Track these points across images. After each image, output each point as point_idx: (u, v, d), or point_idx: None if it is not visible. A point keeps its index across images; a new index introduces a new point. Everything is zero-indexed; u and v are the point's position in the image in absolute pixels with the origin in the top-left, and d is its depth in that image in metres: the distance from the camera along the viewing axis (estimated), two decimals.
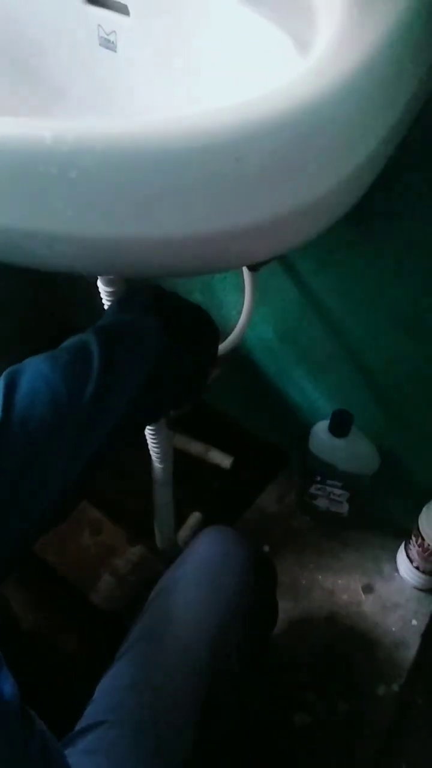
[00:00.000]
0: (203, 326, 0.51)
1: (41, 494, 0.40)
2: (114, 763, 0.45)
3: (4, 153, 0.26)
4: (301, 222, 0.31)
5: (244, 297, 0.71)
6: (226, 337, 0.76)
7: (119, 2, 0.43)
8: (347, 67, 0.30)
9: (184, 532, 0.90)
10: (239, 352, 0.76)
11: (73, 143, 0.25)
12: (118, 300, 0.51)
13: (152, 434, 0.65)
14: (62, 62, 0.49)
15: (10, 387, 0.40)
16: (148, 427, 0.64)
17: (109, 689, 0.51)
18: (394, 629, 0.84)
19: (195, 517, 0.92)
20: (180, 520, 0.89)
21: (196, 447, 1.00)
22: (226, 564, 0.58)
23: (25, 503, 0.40)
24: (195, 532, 0.91)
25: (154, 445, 0.67)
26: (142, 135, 0.26)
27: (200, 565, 0.58)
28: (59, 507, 0.42)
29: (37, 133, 0.25)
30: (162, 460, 0.69)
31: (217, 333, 0.52)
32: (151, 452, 0.68)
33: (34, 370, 0.41)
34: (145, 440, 0.67)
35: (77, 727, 0.49)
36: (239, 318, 0.75)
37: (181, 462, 0.97)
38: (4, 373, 0.41)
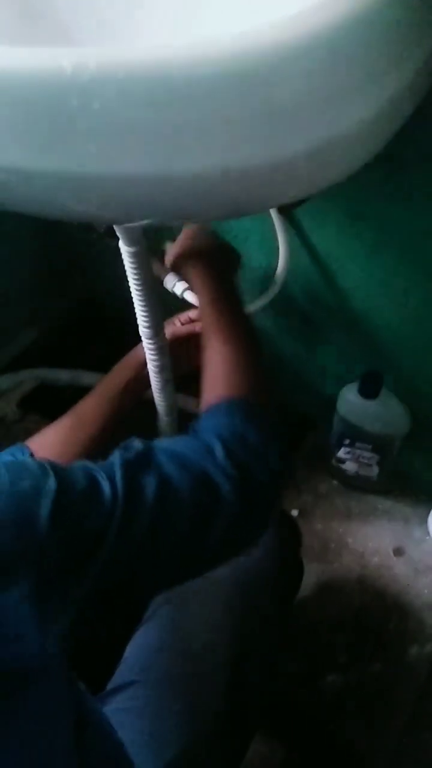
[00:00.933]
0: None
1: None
2: (147, 721, 0.46)
3: (20, 86, 0.24)
4: (335, 156, 0.29)
5: (272, 255, 0.69)
6: (252, 297, 0.75)
7: None
8: None
9: None
10: (271, 308, 0.74)
11: (94, 72, 0.24)
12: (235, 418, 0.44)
13: (158, 389, 0.64)
14: None
15: (161, 501, 0.37)
16: (152, 377, 0.62)
17: (141, 649, 0.52)
18: (426, 591, 0.83)
19: None
20: None
21: None
22: None
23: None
24: None
25: (159, 399, 0.66)
26: (168, 61, 0.24)
27: None
28: None
29: (55, 62, 0.24)
30: (167, 413, 0.68)
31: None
32: (157, 406, 0.67)
33: (178, 503, 0.38)
34: (152, 398, 0.66)
35: (109, 686, 0.50)
36: (265, 273, 0.73)
37: None
38: (158, 481, 0.37)
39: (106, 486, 0.35)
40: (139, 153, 0.25)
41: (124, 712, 0.47)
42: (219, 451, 0.40)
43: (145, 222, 0.31)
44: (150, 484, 0.37)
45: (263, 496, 0.41)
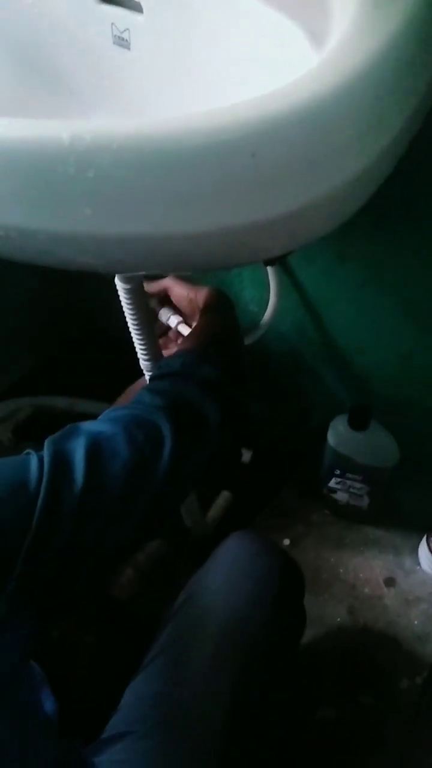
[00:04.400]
0: (245, 410, 0.52)
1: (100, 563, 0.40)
2: None
3: (23, 155, 0.26)
4: (318, 215, 0.31)
5: (263, 292, 0.71)
6: (247, 332, 0.77)
7: (133, 0, 0.43)
8: (360, 60, 0.30)
9: (213, 512, 0.91)
10: (260, 345, 0.76)
11: (90, 143, 0.26)
12: (184, 357, 0.49)
13: None
14: (77, 62, 0.50)
15: (94, 458, 0.38)
16: None
17: (137, 698, 0.51)
18: (416, 623, 0.84)
19: (224, 496, 0.93)
20: (207, 505, 0.90)
21: None
22: (252, 572, 0.58)
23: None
24: (224, 511, 0.92)
25: None
26: (157, 133, 0.26)
27: (226, 573, 0.58)
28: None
29: (55, 134, 0.26)
30: None
31: (248, 404, 0.53)
32: None
33: (114, 450, 0.40)
34: None
35: (104, 735, 0.49)
36: (257, 312, 0.76)
37: None
38: (87, 442, 0.39)
39: (33, 462, 0.36)
40: (131, 216, 0.27)
41: (118, 764, 0.46)
42: (149, 397, 0.43)
43: (139, 273, 0.33)
44: (78, 446, 0.38)
45: (204, 434, 0.44)
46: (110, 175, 0.26)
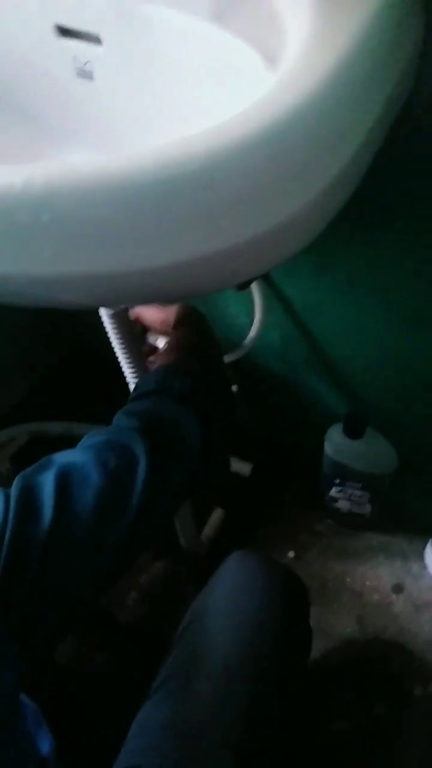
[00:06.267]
0: (231, 411, 0.52)
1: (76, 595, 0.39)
2: None
3: None
4: (281, 239, 0.31)
5: (249, 307, 0.71)
6: (233, 347, 0.76)
7: (91, 33, 0.43)
8: (313, 81, 0.30)
9: (208, 530, 0.90)
10: (249, 359, 0.76)
11: (42, 188, 0.25)
12: (158, 374, 0.48)
13: None
14: (44, 94, 0.50)
15: (63, 490, 0.38)
16: None
17: (144, 729, 0.50)
18: (427, 628, 0.83)
19: (218, 513, 0.93)
20: (204, 521, 0.90)
21: None
22: (254, 593, 0.57)
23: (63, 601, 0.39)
24: (218, 529, 0.91)
25: None
26: (110, 173, 0.26)
27: (228, 596, 0.57)
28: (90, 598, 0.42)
29: (7, 180, 0.26)
30: None
31: (234, 409, 0.52)
32: None
33: (84, 477, 0.39)
34: None
35: None
36: (244, 326, 0.75)
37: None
38: (57, 473, 0.39)
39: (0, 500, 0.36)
40: (90, 256, 0.27)
41: None
42: (124, 420, 0.43)
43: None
44: (47, 480, 0.38)
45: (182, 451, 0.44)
46: (66, 217, 0.26)
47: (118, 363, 0.61)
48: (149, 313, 0.58)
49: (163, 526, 0.44)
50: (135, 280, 0.28)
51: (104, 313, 0.56)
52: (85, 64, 0.45)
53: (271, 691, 0.52)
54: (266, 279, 0.69)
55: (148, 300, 0.31)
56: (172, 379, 0.47)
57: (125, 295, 0.30)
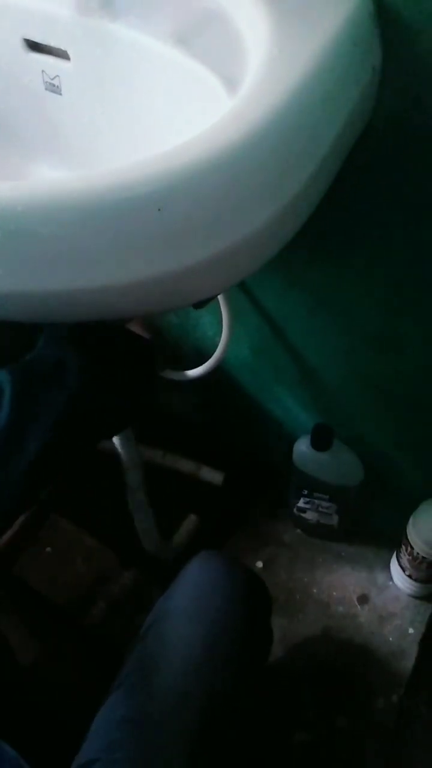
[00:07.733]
0: (135, 351, 0.51)
1: None
2: None
3: None
4: (235, 261, 0.32)
5: (220, 318, 0.71)
6: (205, 358, 0.77)
7: (59, 48, 0.44)
8: (268, 106, 0.31)
9: (179, 537, 0.91)
10: (219, 371, 0.76)
11: None
12: (45, 331, 0.50)
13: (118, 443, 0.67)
14: (12, 107, 0.50)
15: None
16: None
17: (103, 725, 0.51)
18: (390, 639, 0.84)
19: (191, 520, 0.93)
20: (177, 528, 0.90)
21: (187, 465, 1.01)
22: (216, 593, 0.57)
23: None
24: (191, 535, 0.91)
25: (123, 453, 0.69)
26: (63, 194, 0.27)
27: (190, 595, 0.58)
28: None
29: None
30: (130, 466, 0.71)
31: (150, 351, 0.52)
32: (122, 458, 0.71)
33: None
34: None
35: (74, 765, 0.49)
36: (215, 337, 0.76)
37: (173, 480, 0.98)
38: None
39: None
40: (44, 274, 0.27)
41: None
42: None
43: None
44: None
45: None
46: (17, 235, 0.26)
47: None
48: None
49: (47, 473, 0.45)
50: (87, 297, 0.29)
51: None
52: (54, 78, 0.46)
53: (229, 688, 0.53)
54: (241, 289, 0.70)
55: (103, 317, 0.32)
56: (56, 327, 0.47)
57: (78, 312, 0.30)
